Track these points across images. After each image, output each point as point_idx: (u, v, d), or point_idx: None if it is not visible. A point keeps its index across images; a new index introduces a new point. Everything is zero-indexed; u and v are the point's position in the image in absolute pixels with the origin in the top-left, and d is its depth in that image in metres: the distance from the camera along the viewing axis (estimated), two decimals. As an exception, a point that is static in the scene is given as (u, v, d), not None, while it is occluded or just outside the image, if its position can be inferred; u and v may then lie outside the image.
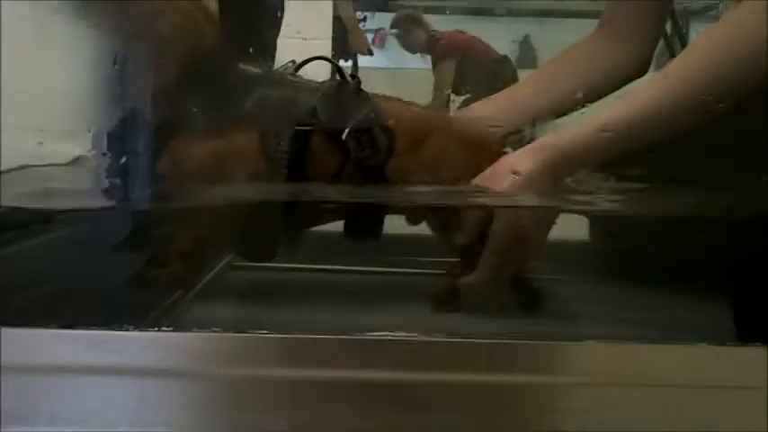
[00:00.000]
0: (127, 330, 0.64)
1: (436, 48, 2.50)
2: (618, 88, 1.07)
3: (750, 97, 0.85)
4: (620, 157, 0.89)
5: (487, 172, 0.92)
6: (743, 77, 0.86)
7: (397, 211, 0.99)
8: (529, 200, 0.91)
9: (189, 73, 0.89)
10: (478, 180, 0.92)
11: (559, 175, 0.90)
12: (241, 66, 0.93)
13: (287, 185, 0.90)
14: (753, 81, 0.86)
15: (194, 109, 0.88)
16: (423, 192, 0.95)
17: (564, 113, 1.02)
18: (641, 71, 1.09)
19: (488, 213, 0.92)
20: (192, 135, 0.89)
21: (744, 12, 0.88)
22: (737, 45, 0.87)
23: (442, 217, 0.98)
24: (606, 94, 1.05)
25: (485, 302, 0.94)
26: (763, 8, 0.85)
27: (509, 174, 0.90)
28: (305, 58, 0.97)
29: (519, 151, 0.93)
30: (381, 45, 2.59)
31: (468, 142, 0.98)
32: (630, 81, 1.08)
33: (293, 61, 0.96)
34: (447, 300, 0.96)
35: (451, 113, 1.12)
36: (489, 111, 1.07)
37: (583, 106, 0.98)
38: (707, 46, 0.92)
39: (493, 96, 1.09)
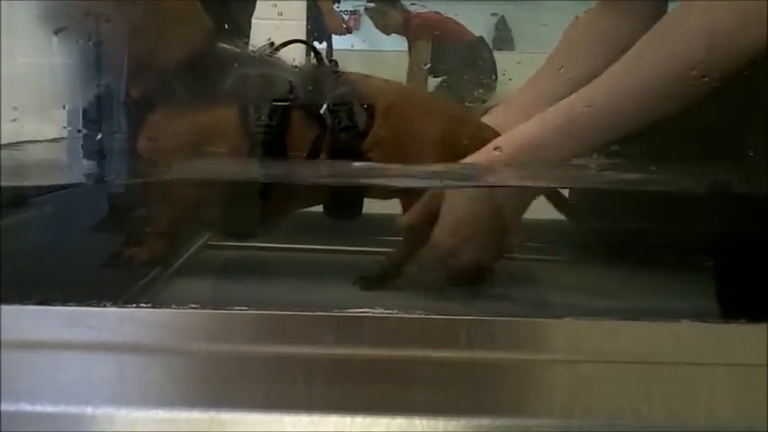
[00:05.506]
0: (105, 306, 0.64)
1: (411, 27, 2.49)
2: None
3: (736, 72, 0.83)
4: (594, 148, 0.89)
5: None
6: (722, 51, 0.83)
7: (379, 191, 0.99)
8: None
9: (190, 53, 0.89)
10: None
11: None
12: (221, 44, 0.94)
13: (267, 163, 0.91)
14: (740, 51, 0.83)
15: (178, 85, 0.89)
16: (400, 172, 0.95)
17: None
18: None
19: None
20: (173, 110, 0.89)
21: None
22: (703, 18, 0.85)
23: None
24: None
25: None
26: None
27: None
28: (280, 38, 0.98)
29: (480, 150, 0.92)
30: (356, 27, 2.58)
31: (447, 116, 0.99)
32: None
33: (272, 43, 0.97)
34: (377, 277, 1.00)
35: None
36: (511, 114, 1.04)
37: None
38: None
39: (512, 99, 1.08)
